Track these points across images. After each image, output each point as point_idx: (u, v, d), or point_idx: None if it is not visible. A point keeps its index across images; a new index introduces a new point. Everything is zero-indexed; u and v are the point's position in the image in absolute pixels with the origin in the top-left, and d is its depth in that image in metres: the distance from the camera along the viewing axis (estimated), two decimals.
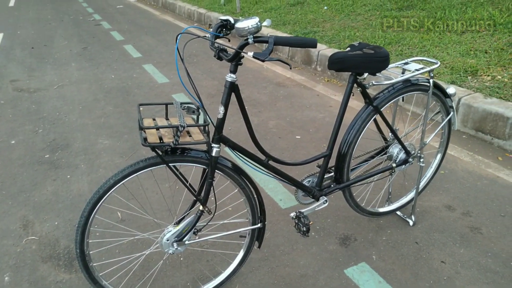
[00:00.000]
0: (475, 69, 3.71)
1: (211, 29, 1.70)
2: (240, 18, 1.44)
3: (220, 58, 1.57)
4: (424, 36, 4.75)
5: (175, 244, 1.66)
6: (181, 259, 2.09)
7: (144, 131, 1.49)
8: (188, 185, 1.63)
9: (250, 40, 1.41)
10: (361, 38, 5.12)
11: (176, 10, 9.69)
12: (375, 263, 2.02)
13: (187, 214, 1.74)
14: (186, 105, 1.66)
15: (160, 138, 1.48)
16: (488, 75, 3.61)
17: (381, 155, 2.15)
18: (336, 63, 1.75)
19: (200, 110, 1.63)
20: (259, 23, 1.39)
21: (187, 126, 1.44)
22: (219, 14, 7.78)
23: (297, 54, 5.35)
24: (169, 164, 1.54)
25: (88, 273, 1.62)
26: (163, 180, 2.69)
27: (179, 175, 1.60)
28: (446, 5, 5.39)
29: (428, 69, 1.95)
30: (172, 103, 1.66)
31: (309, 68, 5.13)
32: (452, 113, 2.16)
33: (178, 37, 1.54)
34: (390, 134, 2.17)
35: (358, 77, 1.84)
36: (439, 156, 2.34)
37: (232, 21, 1.70)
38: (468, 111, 3.16)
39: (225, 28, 1.71)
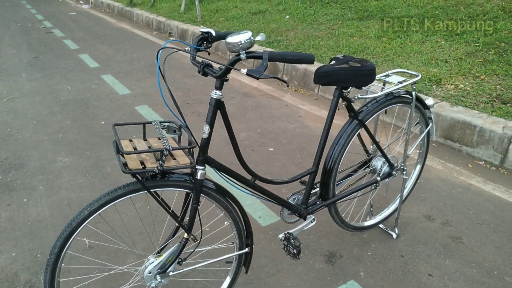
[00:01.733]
0: (439, 78, 3.81)
1: (191, 42, 1.58)
2: (231, 33, 1.33)
3: (205, 74, 1.45)
4: (386, 45, 4.85)
5: (158, 277, 1.51)
6: None
7: (123, 156, 1.34)
8: (170, 211, 1.50)
9: (242, 56, 1.31)
10: (325, 47, 5.15)
11: (134, 18, 9.40)
12: (364, 280, 1.97)
13: (170, 242, 1.60)
14: (166, 124, 1.53)
15: (142, 163, 1.34)
16: (451, 84, 3.72)
17: (364, 169, 2.11)
18: (323, 77, 1.68)
19: (182, 130, 1.51)
20: (252, 38, 1.29)
21: (173, 149, 1.31)
22: (179, 22, 7.61)
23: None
24: (151, 190, 1.40)
25: None
26: (139, 204, 2.51)
27: (161, 201, 1.46)
28: (405, 16, 5.55)
29: (411, 81, 1.93)
30: (150, 122, 1.52)
31: (275, 80, 5.08)
32: (431, 124, 2.16)
33: (160, 53, 1.41)
34: (371, 147, 2.13)
35: (343, 90, 1.78)
36: (418, 167, 2.34)
37: (214, 34, 1.60)
38: (437, 119, 3.22)
39: (206, 41, 1.60)
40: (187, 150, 1.43)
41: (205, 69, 1.43)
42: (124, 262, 2.06)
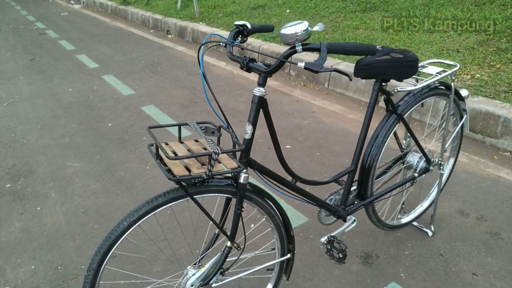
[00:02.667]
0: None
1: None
2: (286, 24, 1.22)
3: (249, 70, 1.35)
4: (394, 37, 4.76)
5: None
6: None
7: (162, 161, 1.24)
8: (213, 218, 1.39)
9: (298, 49, 1.20)
10: (331, 41, 5.05)
11: (128, 17, 9.22)
12: (406, 282, 1.88)
13: (210, 251, 1.49)
14: (204, 125, 1.42)
15: (186, 168, 1.23)
16: (467, 74, 3.64)
17: (399, 165, 2.02)
18: (365, 70, 1.58)
19: (221, 131, 1.40)
20: (309, 29, 1.19)
21: (221, 153, 1.21)
22: (176, 19, 7.46)
23: (267, 58, 5.18)
24: (194, 197, 1.30)
25: None
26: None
27: (203, 207, 1.35)
28: (409, 6, 5.46)
29: (449, 71, 1.84)
30: (186, 124, 1.41)
31: (282, 73, 4.98)
32: (465, 116, 2.08)
33: (201, 49, 1.31)
34: (404, 142, 2.05)
35: (383, 83, 1.68)
36: (451, 161, 2.25)
37: (249, 26, 1.50)
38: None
39: (241, 34, 1.50)
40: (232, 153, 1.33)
41: (249, 64, 1.32)
42: (162, 275, 1.95)
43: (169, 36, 7.41)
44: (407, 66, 1.63)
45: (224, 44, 1.46)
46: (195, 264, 1.48)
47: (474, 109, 3.05)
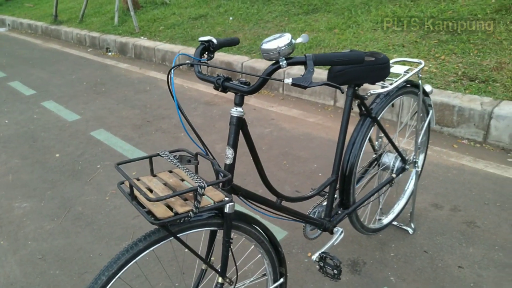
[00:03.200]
0: (403, 63, 3.82)
1: (193, 54, 1.36)
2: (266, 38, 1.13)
3: (224, 90, 1.23)
4: (340, 36, 4.84)
5: None
6: None
7: (137, 201, 1.09)
8: (199, 254, 1.26)
9: (283, 64, 1.10)
10: None
11: (62, 37, 8.72)
12: (397, 285, 1.84)
13: None
14: (177, 153, 1.29)
15: (168, 206, 1.09)
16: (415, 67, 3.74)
17: (374, 167, 1.99)
18: (339, 77, 1.53)
19: (198, 158, 1.28)
20: (292, 41, 1.09)
21: (207, 185, 1.08)
22: (116, 36, 7.14)
23: (216, 68, 5.07)
24: (178, 235, 1.16)
25: None
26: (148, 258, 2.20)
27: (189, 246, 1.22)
28: (350, 6, 5.59)
29: (416, 70, 1.84)
30: (158, 154, 1.27)
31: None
32: (431, 111, 2.09)
33: (172, 74, 1.18)
34: (377, 143, 2.02)
35: (356, 88, 1.64)
36: (422, 156, 2.26)
37: (215, 42, 1.39)
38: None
39: (208, 51, 1.39)
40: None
41: (225, 84, 1.21)
42: None
43: (110, 53, 7.07)
44: (380, 69, 1.59)
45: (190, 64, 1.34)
46: None
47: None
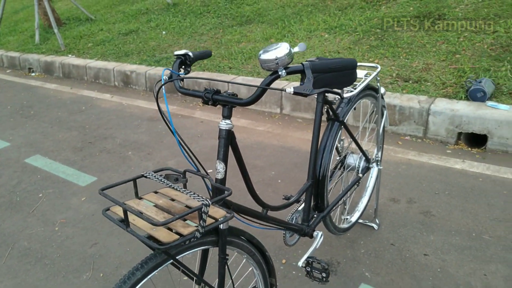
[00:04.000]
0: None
1: (169, 69, 1.32)
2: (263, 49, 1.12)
3: (215, 103, 1.20)
4: None
5: None
6: None
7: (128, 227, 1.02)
8: (197, 274, 1.20)
9: (282, 73, 1.10)
10: (219, 57, 5.04)
11: None
12: (373, 280, 1.90)
13: None
14: (162, 172, 1.23)
15: (169, 229, 1.03)
16: None
17: (339, 169, 2.05)
18: (315, 83, 1.55)
19: (186, 176, 1.22)
20: (291, 51, 1.10)
21: (212, 203, 1.03)
22: (39, 55, 6.67)
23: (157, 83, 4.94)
24: (176, 258, 1.09)
25: None
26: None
27: (188, 268, 1.16)
28: (282, 16, 5.77)
29: (375, 73, 1.93)
30: (142, 176, 1.20)
31: (176, 96, 4.79)
32: (385, 112, 2.21)
33: (158, 91, 1.13)
34: (339, 145, 2.09)
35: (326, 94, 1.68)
36: (379, 155, 2.37)
37: (191, 55, 1.36)
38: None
39: (184, 64, 1.36)
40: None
41: (215, 97, 1.17)
42: None
43: (33, 74, 6.58)
44: (349, 74, 1.65)
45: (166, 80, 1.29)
46: None
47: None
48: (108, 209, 1.09)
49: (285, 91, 1.09)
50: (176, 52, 1.34)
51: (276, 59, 1.08)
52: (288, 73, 1.12)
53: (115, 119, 4.29)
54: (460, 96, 3.19)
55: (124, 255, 2.23)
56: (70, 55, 6.34)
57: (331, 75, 1.56)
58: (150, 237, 0.99)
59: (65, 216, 2.64)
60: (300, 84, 1.10)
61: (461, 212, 2.31)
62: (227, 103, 1.18)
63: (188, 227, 1.02)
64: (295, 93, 1.08)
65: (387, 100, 3.25)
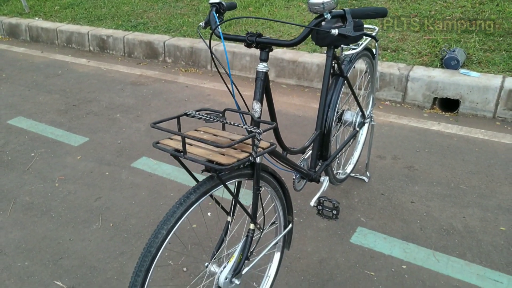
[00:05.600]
0: None
1: (209, 18, 1.40)
2: None
3: (258, 46, 1.30)
4: (256, 14, 5.01)
5: (234, 280, 1.35)
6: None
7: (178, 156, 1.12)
8: (241, 202, 1.33)
9: (327, 16, 1.22)
10: (194, 23, 5.03)
11: None
12: (368, 224, 2.12)
13: (226, 241, 1.43)
14: (205, 111, 1.33)
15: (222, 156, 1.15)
16: None
17: (336, 124, 2.22)
18: (325, 38, 1.69)
19: (225, 115, 1.33)
20: None
21: (263, 132, 1.16)
22: (1, 17, 6.32)
23: (136, 48, 4.88)
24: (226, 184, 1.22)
25: None
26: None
27: (234, 194, 1.29)
28: None
29: (374, 33, 2.08)
30: (184, 114, 1.29)
31: (156, 62, 4.77)
32: (377, 72, 2.39)
33: (219, 29, 1.22)
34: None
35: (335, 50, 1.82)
36: (372, 112, 2.56)
37: (224, 4, 1.45)
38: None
39: (219, 13, 1.45)
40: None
41: (258, 40, 1.28)
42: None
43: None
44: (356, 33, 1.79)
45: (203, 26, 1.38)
46: (213, 259, 1.40)
47: (355, 69, 3.49)
48: (157, 142, 1.18)
49: (330, 32, 1.21)
50: (211, 1, 1.42)
51: (323, 3, 1.21)
52: (332, 17, 1.24)
53: (96, 83, 4.23)
54: (435, 64, 3.44)
55: (130, 207, 2.32)
56: (37, 18, 6.06)
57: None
58: (210, 161, 1.10)
59: (63, 174, 2.66)
60: (343, 27, 1.23)
61: (440, 167, 2.57)
62: (271, 44, 1.29)
63: (241, 153, 1.14)
64: (339, 34, 1.21)
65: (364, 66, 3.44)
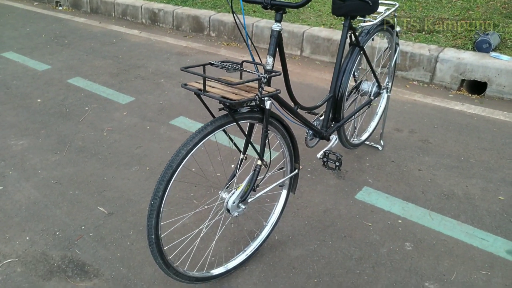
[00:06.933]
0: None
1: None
2: None
3: (273, 7, 1.53)
4: None
5: (241, 205, 1.62)
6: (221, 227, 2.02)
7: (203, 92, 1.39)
8: (251, 140, 1.59)
9: None
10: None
11: None
12: (374, 185, 2.32)
13: (238, 174, 1.70)
14: (226, 63, 1.59)
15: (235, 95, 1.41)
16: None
17: (354, 93, 2.41)
18: (341, 8, 1.88)
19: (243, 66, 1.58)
20: None
21: (269, 76, 1.41)
22: None
23: (184, 22, 5.22)
24: (238, 122, 1.48)
25: (162, 258, 1.47)
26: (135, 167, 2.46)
27: (245, 132, 1.55)
28: None
29: (394, 9, 2.24)
30: (209, 63, 1.55)
31: (201, 36, 5.08)
32: (398, 48, 2.54)
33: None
34: (356, 74, 2.43)
35: (352, 20, 2.01)
36: (389, 85, 2.72)
37: None
38: (371, 51, 3.68)
39: None
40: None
41: (273, 2, 1.51)
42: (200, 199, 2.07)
43: (60, 8, 6.83)
44: (373, 4, 1.97)
45: None
46: (226, 188, 1.67)
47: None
48: (186, 84, 1.46)
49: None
50: None
51: None
52: None
53: (145, 52, 4.61)
54: (467, 47, 3.49)
55: (165, 156, 2.65)
56: None
57: (357, 3, 1.89)
58: (224, 97, 1.36)
59: (111, 125, 3.04)
60: None
61: (454, 142, 2.69)
62: (284, 7, 1.52)
63: (250, 93, 1.40)
64: (353, 2, 1.42)
65: (400, 47, 3.55)
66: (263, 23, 4.51)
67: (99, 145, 2.79)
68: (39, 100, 3.47)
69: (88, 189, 2.36)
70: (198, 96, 1.45)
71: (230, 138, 1.62)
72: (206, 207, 1.90)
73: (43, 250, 1.94)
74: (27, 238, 2.01)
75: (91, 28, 5.62)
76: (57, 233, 2.05)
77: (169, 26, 5.40)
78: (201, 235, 1.94)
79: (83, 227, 2.07)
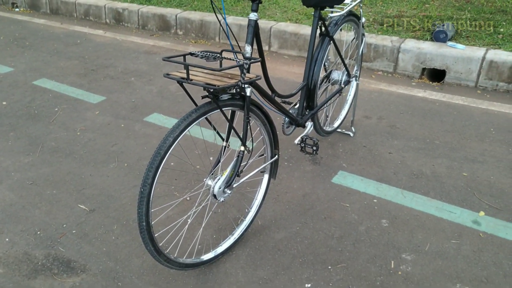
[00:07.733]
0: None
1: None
2: None
3: None
4: None
5: (227, 190, 1.68)
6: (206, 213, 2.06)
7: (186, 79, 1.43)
8: (234, 127, 1.65)
9: None
10: None
11: None
12: (349, 168, 2.43)
13: (222, 161, 1.75)
14: (206, 52, 1.63)
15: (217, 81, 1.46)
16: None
17: (325, 82, 2.51)
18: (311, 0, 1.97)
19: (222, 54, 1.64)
20: None
21: (250, 63, 1.47)
22: None
23: (150, 21, 5.18)
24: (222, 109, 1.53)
25: (154, 245, 1.50)
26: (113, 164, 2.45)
27: (228, 118, 1.60)
28: None
29: (359, 0, 2.36)
30: (189, 53, 1.60)
31: (168, 34, 5.07)
32: (364, 39, 2.67)
33: None
34: (326, 63, 2.54)
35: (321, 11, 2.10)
36: (357, 72, 2.85)
37: None
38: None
39: None
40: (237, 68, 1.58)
41: None
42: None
43: (17, 9, 6.60)
44: None
45: None
46: (210, 174, 1.72)
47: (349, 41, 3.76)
48: (168, 74, 1.49)
49: None
50: None
51: None
52: None
53: (112, 52, 4.56)
54: (426, 38, 3.69)
55: (143, 152, 2.66)
56: None
57: None
58: (208, 83, 1.41)
59: (84, 125, 3.01)
60: None
61: (419, 126, 2.86)
62: None
63: (233, 80, 1.45)
64: None
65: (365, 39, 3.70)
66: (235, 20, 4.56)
67: (73, 144, 2.75)
68: (4, 103, 3.37)
69: (66, 188, 2.33)
70: (181, 84, 1.49)
71: (213, 126, 1.68)
72: (188, 198, 1.93)
73: (25, 250, 1.91)
74: (7, 239, 1.98)
75: (52, 29, 5.48)
76: (38, 232, 2.02)
77: (135, 25, 5.34)
78: (188, 224, 1.98)
79: (64, 225, 2.06)
